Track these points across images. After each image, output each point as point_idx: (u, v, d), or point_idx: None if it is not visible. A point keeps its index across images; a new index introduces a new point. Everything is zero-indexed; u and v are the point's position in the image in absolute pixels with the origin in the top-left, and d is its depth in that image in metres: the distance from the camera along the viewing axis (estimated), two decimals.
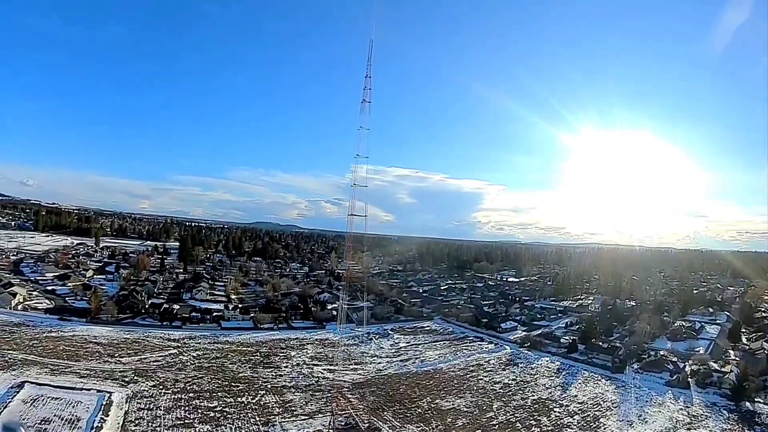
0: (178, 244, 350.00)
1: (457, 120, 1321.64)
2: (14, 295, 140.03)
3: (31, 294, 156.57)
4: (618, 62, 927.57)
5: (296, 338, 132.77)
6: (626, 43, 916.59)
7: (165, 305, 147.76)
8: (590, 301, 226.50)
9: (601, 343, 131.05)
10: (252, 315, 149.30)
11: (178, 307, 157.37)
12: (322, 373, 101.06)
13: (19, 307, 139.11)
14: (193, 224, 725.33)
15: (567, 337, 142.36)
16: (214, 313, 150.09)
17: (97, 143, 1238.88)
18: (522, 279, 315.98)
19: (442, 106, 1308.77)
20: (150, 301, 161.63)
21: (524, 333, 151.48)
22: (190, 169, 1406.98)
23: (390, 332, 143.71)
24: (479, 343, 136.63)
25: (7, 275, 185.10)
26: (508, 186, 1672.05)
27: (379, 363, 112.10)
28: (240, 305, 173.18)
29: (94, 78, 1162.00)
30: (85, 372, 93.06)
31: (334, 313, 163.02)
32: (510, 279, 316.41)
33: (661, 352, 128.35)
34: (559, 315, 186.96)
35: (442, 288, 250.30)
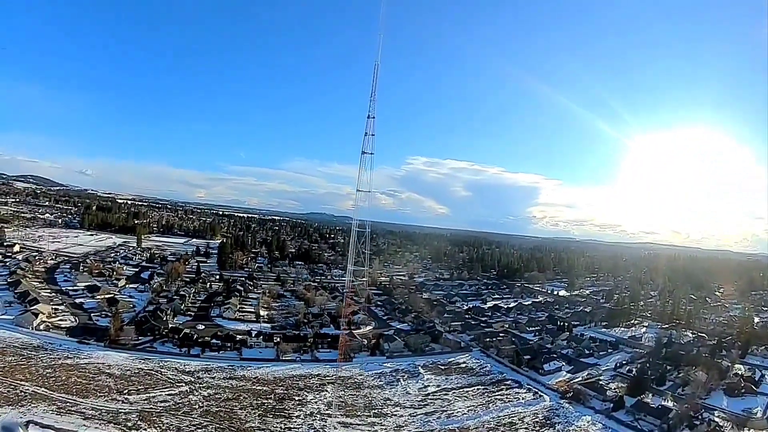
0: (222, 242, 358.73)
1: (515, 114, 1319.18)
2: (36, 314, 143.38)
3: (56, 310, 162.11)
4: (676, 58, 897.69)
5: (318, 374, 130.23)
6: (683, 39, 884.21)
7: (186, 330, 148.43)
8: (644, 331, 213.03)
9: (650, 401, 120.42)
10: (276, 342, 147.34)
11: (203, 327, 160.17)
12: (335, 430, 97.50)
13: (42, 326, 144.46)
14: (246, 215, 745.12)
15: (614, 386, 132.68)
16: (238, 337, 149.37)
17: (155, 135, 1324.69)
18: (574, 293, 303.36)
19: (501, 101, 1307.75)
20: (175, 319, 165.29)
21: (568, 375, 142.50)
22: (247, 160, 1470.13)
23: (421, 370, 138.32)
24: (516, 390, 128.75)
25: (40, 285, 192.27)
26: (564, 181, 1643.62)
27: (401, 416, 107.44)
28: (268, 324, 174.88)
29: (152, 72, 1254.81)
30: (90, 412, 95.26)
31: (364, 341, 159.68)
32: (561, 293, 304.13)
33: (716, 418, 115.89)
34: (609, 350, 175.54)
35: (487, 307, 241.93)
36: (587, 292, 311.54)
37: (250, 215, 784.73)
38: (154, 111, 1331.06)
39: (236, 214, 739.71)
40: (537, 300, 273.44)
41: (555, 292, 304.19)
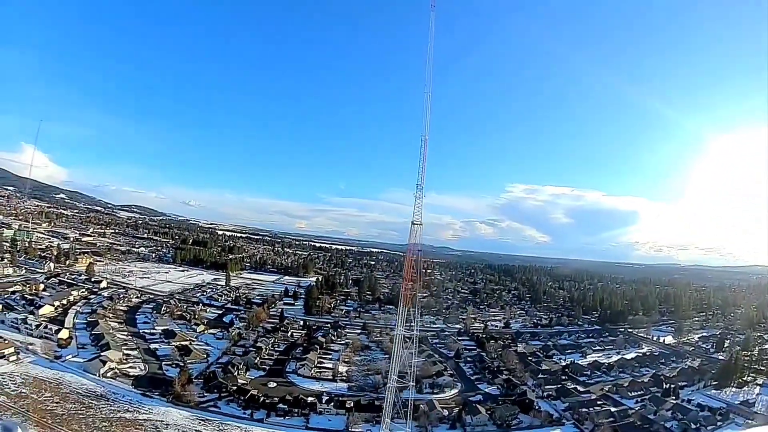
0: (313, 281, 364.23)
1: (613, 134, 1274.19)
2: (105, 362, 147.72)
3: (128, 356, 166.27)
4: None
5: None
6: None
7: (252, 391, 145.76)
8: (757, 392, 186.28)
9: None
10: (347, 409, 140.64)
11: (275, 385, 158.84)
12: None
13: (109, 373, 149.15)
14: (345, 247, 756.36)
15: None
16: (308, 400, 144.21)
17: (258, 168, 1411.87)
18: (681, 340, 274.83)
19: (598, 121, 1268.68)
20: (248, 374, 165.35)
21: None
22: (347, 191, 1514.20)
23: None
24: None
25: (118, 326, 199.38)
26: (667, 202, 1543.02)
27: None
28: (345, 384, 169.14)
29: (254, 112, 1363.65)
30: None
31: (446, 412, 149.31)
32: (668, 340, 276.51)
33: None
34: (719, 421, 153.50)
35: (586, 364, 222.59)
36: (696, 337, 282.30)
37: (348, 247, 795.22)
38: (257, 146, 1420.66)
39: (335, 246, 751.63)
40: (641, 352, 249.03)
41: (661, 340, 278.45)
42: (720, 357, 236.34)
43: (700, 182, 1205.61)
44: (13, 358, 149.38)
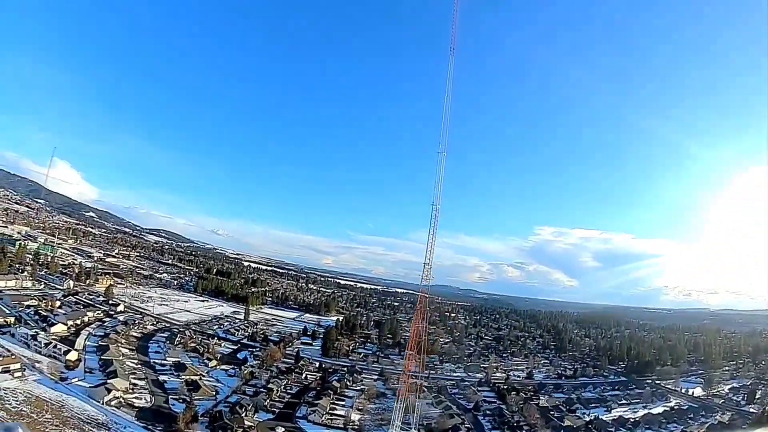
0: (334, 321, 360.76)
1: (641, 173, 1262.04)
2: (110, 390, 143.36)
3: (135, 386, 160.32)
4: None
5: None
6: None
7: None
8: None
9: None
10: None
11: (282, 430, 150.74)
12: None
13: (113, 402, 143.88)
14: (369, 286, 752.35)
15: None
16: None
17: (287, 202, 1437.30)
18: (711, 392, 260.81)
19: (629, 160, 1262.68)
20: (256, 416, 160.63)
21: None
22: (375, 229, 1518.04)
23: None
24: None
25: (129, 353, 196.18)
26: (696, 244, 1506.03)
27: None
28: None
29: (285, 144, 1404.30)
30: None
31: None
32: (696, 391, 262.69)
33: None
34: None
35: (610, 420, 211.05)
36: (726, 389, 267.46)
37: (373, 286, 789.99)
38: (288, 181, 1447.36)
39: (360, 284, 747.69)
40: (668, 406, 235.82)
41: (690, 392, 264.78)
42: (752, 410, 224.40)
43: (729, 220, 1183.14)
44: (18, 374, 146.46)
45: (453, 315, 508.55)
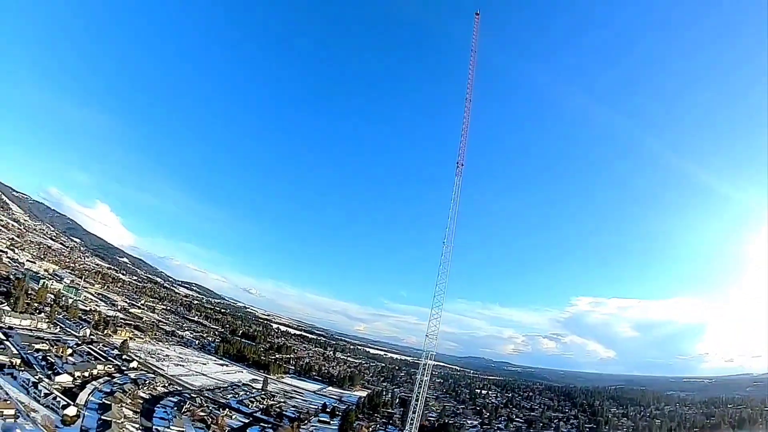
0: (357, 397, 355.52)
1: (683, 227, 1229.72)
2: None
3: None
4: None
5: None
6: None
7: None
8: None
9: None
10: None
11: None
12: None
13: None
14: (399, 356, 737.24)
15: None
16: None
17: (323, 266, 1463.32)
18: None
19: (671, 213, 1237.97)
20: None
21: None
22: (408, 298, 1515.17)
23: None
24: None
25: (131, 416, 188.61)
26: (736, 305, 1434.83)
27: None
28: None
29: (322, 210, 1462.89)
30: None
31: None
32: None
33: None
34: None
35: None
36: None
37: (403, 356, 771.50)
38: (325, 246, 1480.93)
39: (390, 354, 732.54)
40: None
41: None
42: None
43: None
44: (11, 421, 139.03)
45: (484, 393, 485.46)
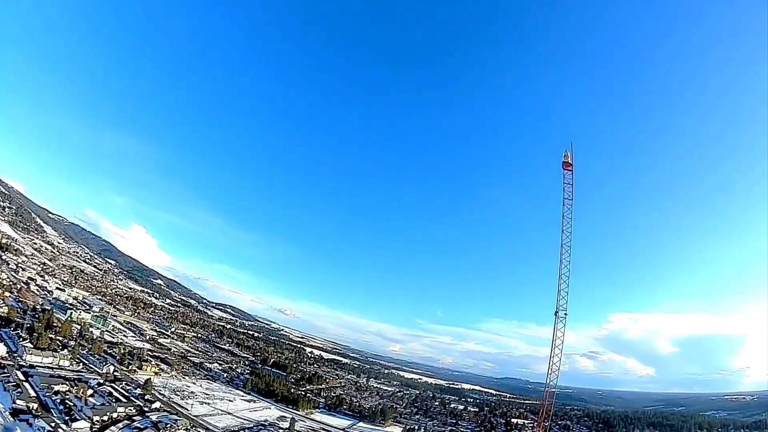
0: None
1: (722, 234, 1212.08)
2: None
3: None
4: None
5: None
6: None
7: None
8: None
9: None
10: None
11: None
12: None
13: None
14: (434, 381, 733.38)
15: None
16: None
17: (357, 287, 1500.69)
18: None
19: (710, 220, 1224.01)
20: None
21: None
22: (444, 318, 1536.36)
23: None
24: None
25: None
26: None
27: None
28: None
29: (354, 228, 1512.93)
30: None
31: None
32: None
33: None
34: None
35: None
36: None
37: (437, 381, 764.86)
38: (358, 268, 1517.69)
39: (424, 379, 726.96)
40: None
41: None
42: None
43: None
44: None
45: (521, 424, 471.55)
